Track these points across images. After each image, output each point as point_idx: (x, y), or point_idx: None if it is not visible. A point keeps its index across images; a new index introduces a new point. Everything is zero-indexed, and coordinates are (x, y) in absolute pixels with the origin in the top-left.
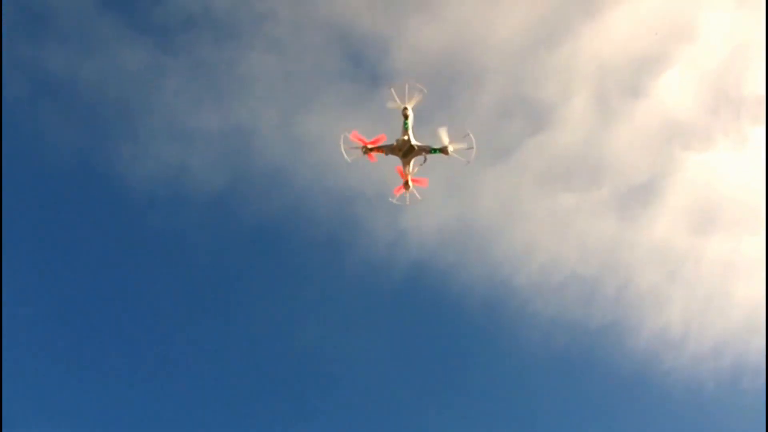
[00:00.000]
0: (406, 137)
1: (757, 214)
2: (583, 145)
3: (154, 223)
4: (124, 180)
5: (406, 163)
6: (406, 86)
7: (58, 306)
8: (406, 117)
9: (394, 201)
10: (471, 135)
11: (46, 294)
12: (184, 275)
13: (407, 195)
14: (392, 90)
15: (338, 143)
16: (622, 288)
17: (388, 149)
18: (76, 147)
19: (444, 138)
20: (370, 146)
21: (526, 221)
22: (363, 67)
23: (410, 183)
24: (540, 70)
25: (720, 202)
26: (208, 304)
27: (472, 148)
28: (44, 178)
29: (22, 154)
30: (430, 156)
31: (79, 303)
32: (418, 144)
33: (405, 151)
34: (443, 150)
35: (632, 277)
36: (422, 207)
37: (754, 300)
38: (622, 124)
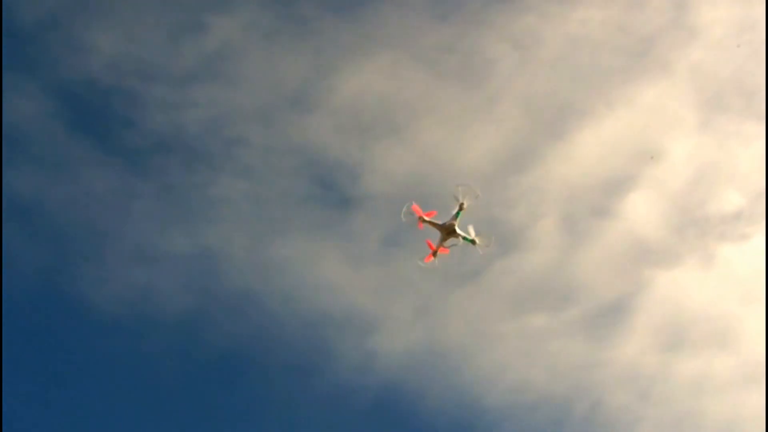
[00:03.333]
0: (454, 222)
1: (726, 332)
2: (552, 266)
3: (118, 345)
4: (89, 302)
5: (442, 240)
6: (465, 187)
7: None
8: (461, 209)
9: (422, 265)
10: (493, 236)
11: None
12: (148, 399)
13: (434, 262)
14: (457, 186)
15: (402, 208)
16: (594, 408)
17: (437, 225)
18: (41, 268)
19: (473, 232)
20: (426, 218)
21: (496, 342)
22: (333, 191)
23: (437, 253)
24: (508, 193)
25: (689, 319)
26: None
27: (489, 246)
28: (7, 298)
29: None
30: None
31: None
32: (459, 231)
33: (448, 232)
34: (473, 241)
35: (603, 397)
36: (390, 329)
37: (725, 418)
38: (591, 245)
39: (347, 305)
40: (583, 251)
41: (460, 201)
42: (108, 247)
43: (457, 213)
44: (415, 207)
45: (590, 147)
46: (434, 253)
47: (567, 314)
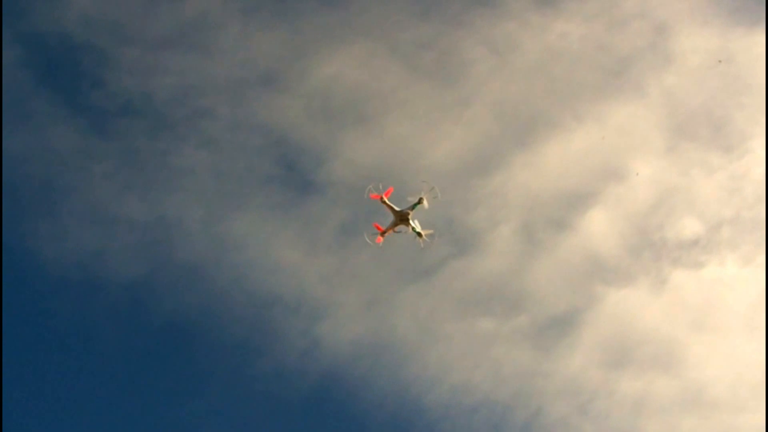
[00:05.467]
0: (409, 211)
1: (670, 356)
2: (505, 273)
3: (63, 304)
4: (38, 257)
5: (393, 225)
6: (429, 185)
7: None
8: (419, 203)
9: (369, 241)
10: (435, 237)
11: None
12: (86, 363)
13: (377, 242)
14: (423, 182)
15: (371, 185)
16: (533, 417)
17: (393, 210)
18: None
19: (418, 227)
20: (384, 198)
21: (442, 342)
22: (295, 174)
23: (383, 236)
24: (470, 194)
25: (635, 339)
26: (107, 398)
27: (430, 244)
28: None
29: None
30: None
31: None
32: (411, 222)
33: (401, 218)
34: (419, 234)
35: (543, 407)
36: (338, 318)
37: None
38: (546, 256)
39: (297, 289)
40: (538, 261)
41: (421, 195)
42: (64, 204)
43: (414, 205)
44: (374, 195)
45: (556, 159)
46: (383, 234)
47: (516, 321)
